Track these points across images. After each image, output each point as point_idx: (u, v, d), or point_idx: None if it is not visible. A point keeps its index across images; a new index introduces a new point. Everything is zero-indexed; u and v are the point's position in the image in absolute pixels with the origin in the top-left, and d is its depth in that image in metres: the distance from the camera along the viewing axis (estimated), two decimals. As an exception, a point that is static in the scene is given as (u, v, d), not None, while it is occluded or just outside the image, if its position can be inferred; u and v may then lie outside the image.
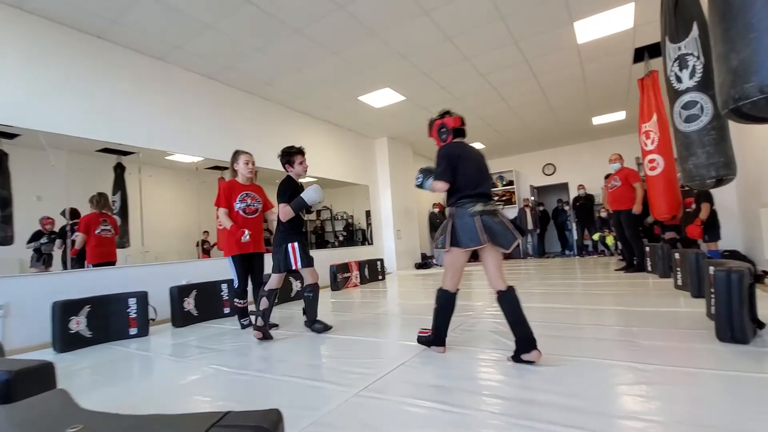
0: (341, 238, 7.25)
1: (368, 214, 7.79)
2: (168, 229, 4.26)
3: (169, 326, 3.57)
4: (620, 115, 7.47)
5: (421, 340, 2.25)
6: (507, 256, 9.63)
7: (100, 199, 3.69)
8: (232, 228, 3.00)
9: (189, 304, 3.61)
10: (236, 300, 3.27)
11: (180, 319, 3.51)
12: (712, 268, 2.04)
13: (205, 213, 4.71)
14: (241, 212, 3.17)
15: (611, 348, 2.05)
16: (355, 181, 7.45)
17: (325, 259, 6.15)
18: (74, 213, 3.56)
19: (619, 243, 6.75)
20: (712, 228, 4.48)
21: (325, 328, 2.89)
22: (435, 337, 2.17)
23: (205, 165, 4.76)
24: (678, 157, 2.41)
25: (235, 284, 3.19)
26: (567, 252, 9.83)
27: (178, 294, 3.53)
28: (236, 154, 3.24)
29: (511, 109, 6.75)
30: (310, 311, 2.92)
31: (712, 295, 2.10)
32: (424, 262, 8.52)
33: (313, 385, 1.79)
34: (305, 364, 2.13)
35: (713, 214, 4.49)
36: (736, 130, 4.90)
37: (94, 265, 3.55)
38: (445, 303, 2.08)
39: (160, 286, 3.66)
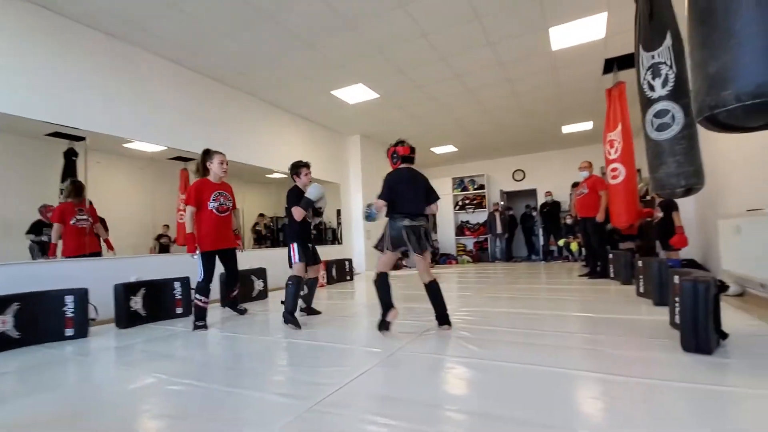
0: (312, 237, 7.05)
1: (339, 213, 7.63)
2: (119, 222, 3.95)
3: (112, 327, 3.30)
4: (588, 125, 7.68)
5: (382, 326, 2.68)
6: (476, 259, 9.71)
7: (73, 188, 3.56)
8: (188, 237, 3.11)
9: (136, 303, 3.35)
10: (197, 296, 3.19)
11: (125, 319, 3.25)
12: (677, 278, 2.04)
13: (163, 205, 4.40)
14: (214, 211, 3.26)
15: (576, 357, 2.01)
16: (327, 178, 7.28)
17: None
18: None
19: (583, 249, 6.97)
20: (669, 238, 4.62)
21: (294, 322, 3.04)
22: (385, 309, 2.70)
23: (167, 155, 4.47)
24: (649, 166, 2.41)
25: (200, 277, 3.17)
26: (533, 257, 10.02)
27: (124, 292, 3.26)
28: (210, 154, 3.31)
29: (486, 112, 6.78)
30: (289, 302, 3.08)
31: (677, 304, 2.09)
32: (395, 264, 8.41)
33: (262, 397, 1.62)
34: (258, 373, 1.96)
35: (672, 224, 4.64)
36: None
37: (73, 258, 3.38)
38: (384, 282, 2.73)
39: (106, 284, 3.36)
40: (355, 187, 7.97)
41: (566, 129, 7.94)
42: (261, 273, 4.73)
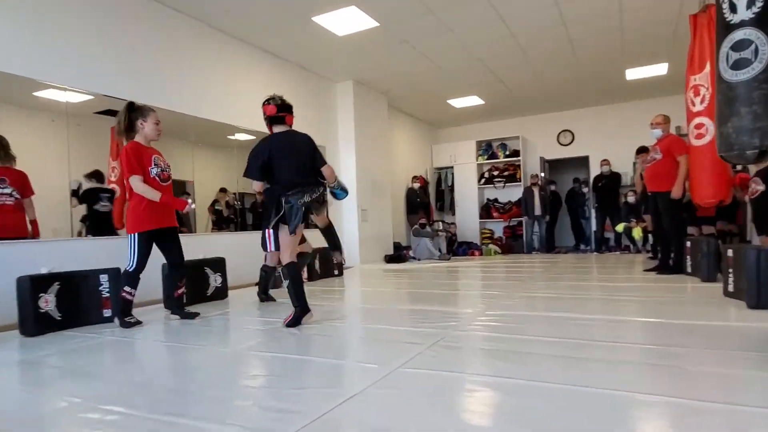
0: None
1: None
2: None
3: (15, 334, 3.27)
4: (661, 68, 7.53)
5: (291, 324, 3.04)
6: (507, 250, 9.71)
7: None
8: (163, 198, 3.28)
9: (47, 302, 3.29)
10: (125, 288, 3.36)
11: (33, 324, 3.21)
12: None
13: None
14: (157, 179, 3.38)
15: (640, 375, 1.95)
16: (307, 140, 7.16)
17: (258, 245, 5.87)
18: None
19: (650, 236, 6.92)
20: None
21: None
22: (301, 309, 3.09)
23: (94, 107, 4.36)
24: (717, 117, 2.29)
25: (131, 266, 3.34)
26: (582, 246, 10.01)
27: (31, 288, 3.21)
28: (143, 111, 3.40)
29: (522, 50, 6.60)
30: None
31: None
32: (398, 254, 8.41)
33: (211, 428, 1.56)
34: (212, 397, 1.90)
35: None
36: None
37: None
38: (297, 273, 3.12)
39: (7, 277, 3.30)
40: (346, 150, 7.87)
41: (632, 74, 7.78)
42: (219, 265, 4.68)
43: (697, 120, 4.83)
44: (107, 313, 3.61)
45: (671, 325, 2.80)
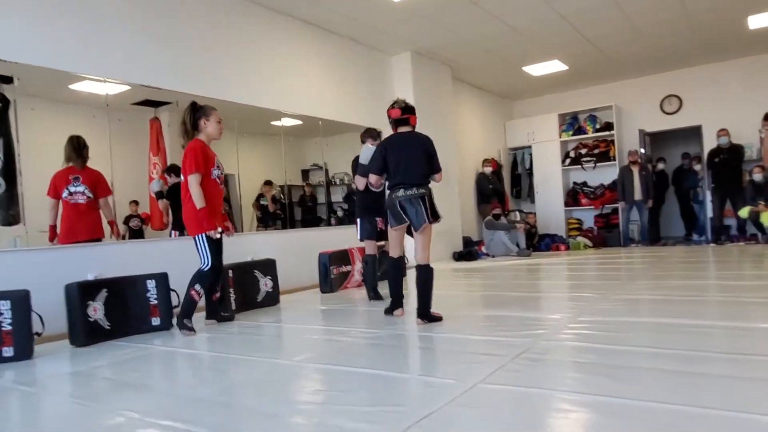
0: (340, 214, 7.18)
1: (380, 175, 7.64)
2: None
3: (65, 344, 3.54)
4: (795, 12, 6.96)
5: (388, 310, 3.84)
6: (600, 242, 9.43)
7: (67, 146, 4.07)
8: (202, 211, 3.61)
9: (96, 311, 3.56)
10: (195, 287, 3.71)
11: (83, 334, 3.47)
12: None
13: (127, 172, 4.60)
14: (217, 180, 3.82)
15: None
16: (361, 122, 7.24)
17: (312, 244, 6.05)
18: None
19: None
20: None
21: (376, 297, 4.56)
22: (393, 302, 3.81)
23: (131, 98, 4.67)
24: None
25: (206, 265, 3.73)
26: (695, 236, 9.58)
27: (80, 296, 3.47)
28: (206, 110, 3.80)
29: (615, 1, 6.33)
30: (368, 280, 4.67)
31: None
32: (468, 251, 8.37)
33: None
34: (266, 413, 2.00)
35: None
36: None
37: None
38: (395, 268, 3.83)
39: (50, 284, 3.59)
40: (405, 133, 7.88)
41: (756, 21, 7.27)
42: (269, 267, 4.86)
43: None
44: (156, 321, 3.86)
45: (815, 333, 2.64)
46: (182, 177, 3.73)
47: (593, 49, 8.10)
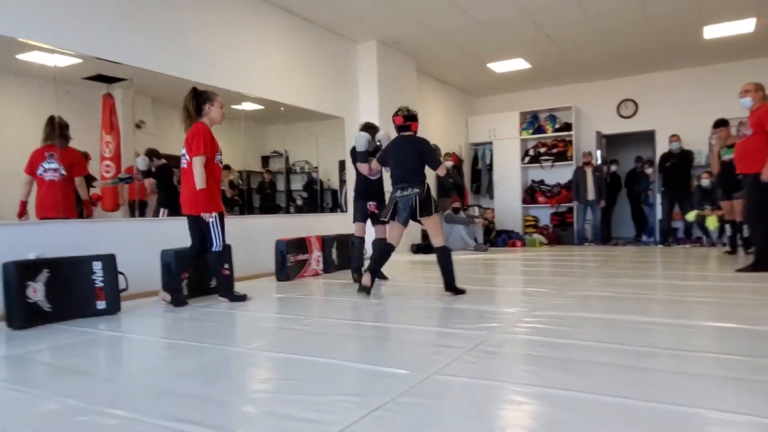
0: (299, 202, 7.11)
1: (342, 165, 7.61)
2: (9, 173, 4.01)
3: (1, 327, 3.40)
4: (747, 25, 7.27)
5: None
6: (555, 240, 9.63)
7: (46, 126, 4.10)
8: (201, 192, 3.82)
9: (36, 291, 3.40)
10: (225, 266, 4.17)
11: (21, 316, 3.32)
12: None
13: (76, 148, 4.40)
14: (220, 164, 4.09)
15: (719, 390, 1.93)
16: (324, 110, 7.19)
17: (270, 231, 5.96)
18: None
19: (727, 227, 6.76)
20: None
21: (359, 278, 4.43)
22: (363, 273, 4.25)
23: (82, 72, 4.44)
24: None
25: (219, 245, 4.00)
26: (644, 237, 9.89)
27: (18, 275, 3.32)
28: (209, 95, 4.00)
29: (579, 3, 6.44)
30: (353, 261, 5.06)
31: None
32: (427, 244, 8.39)
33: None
34: (215, 401, 1.94)
35: None
36: None
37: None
38: (378, 251, 4.43)
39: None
40: (369, 119, 7.77)
41: (711, 32, 7.55)
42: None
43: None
44: (101, 305, 3.72)
45: (756, 332, 2.75)
46: (186, 158, 3.91)
47: (556, 50, 8.24)
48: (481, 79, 10.00)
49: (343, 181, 7.64)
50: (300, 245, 5.65)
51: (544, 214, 10.43)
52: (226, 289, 4.17)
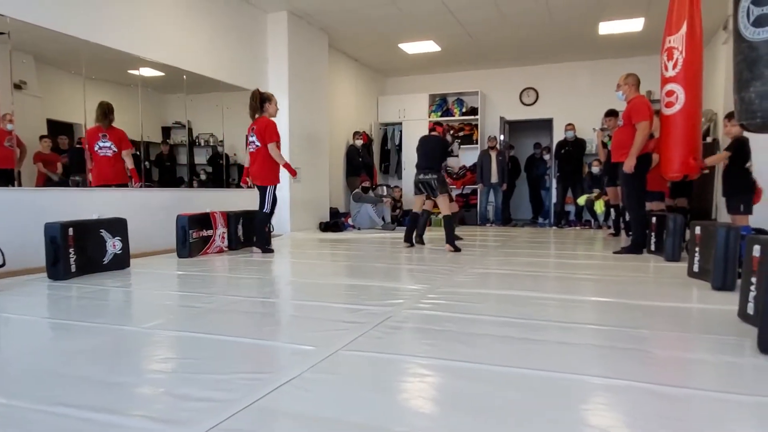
0: (203, 176, 6.81)
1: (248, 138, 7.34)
2: None
3: None
4: (637, 24, 7.78)
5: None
6: (459, 221, 9.90)
7: (98, 110, 5.05)
8: (287, 165, 5.66)
9: None
10: (268, 226, 5.73)
11: None
12: (758, 248, 2.12)
13: None
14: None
15: (599, 359, 2.08)
16: (230, 80, 6.89)
17: (171, 205, 5.67)
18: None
19: (612, 211, 7.31)
20: (747, 194, 4.83)
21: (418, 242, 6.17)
22: (405, 237, 6.09)
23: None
24: (736, 81, 2.41)
25: (267, 209, 5.49)
26: (540, 220, 10.42)
27: None
28: (269, 96, 5.51)
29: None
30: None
31: (752, 287, 2.19)
32: (335, 222, 8.38)
33: (121, 424, 1.51)
34: (112, 384, 1.83)
35: (747, 175, 4.86)
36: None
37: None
38: (412, 219, 6.19)
39: None
40: (276, 93, 7.50)
41: (605, 28, 8.00)
42: (118, 227, 4.45)
43: (668, 87, 5.06)
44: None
45: (632, 306, 2.98)
46: (256, 144, 5.38)
47: (465, 35, 8.40)
48: (393, 60, 10.02)
49: (250, 156, 7.41)
50: (203, 221, 5.41)
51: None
52: (263, 243, 5.56)
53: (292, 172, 5.72)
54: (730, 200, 4.92)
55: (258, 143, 5.37)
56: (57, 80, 4.87)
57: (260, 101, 5.38)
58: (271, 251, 5.53)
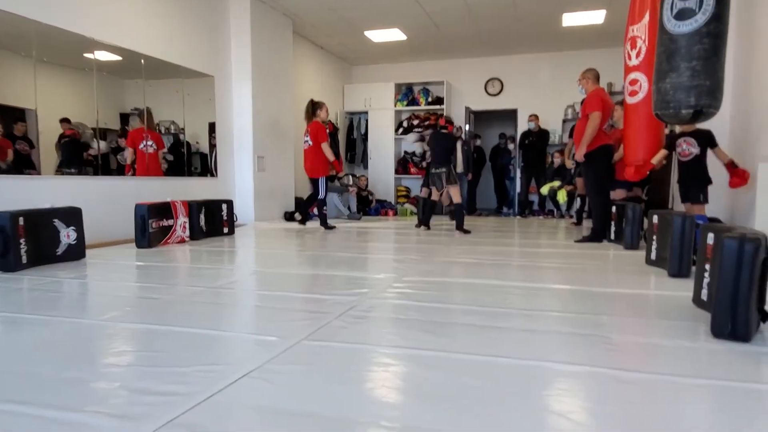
0: (165, 166, 6.64)
1: (212, 127, 7.25)
2: None
3: None
4: (598, 16, 7.91)
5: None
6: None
7: (140, 115, 5.98)
8: (335, 162, 6.93)
9: None
10: (324, 209, 6.79)
11: None
12: (712, 236, 2.18)
13: None
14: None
15: (562, 345, 2.12)
16: (191, 66, 6.71)
17: (129, 194, 5.51)
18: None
19: (577, 201, 7.45)
20: (704, 184, 4.99)
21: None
22: (419, 222, 7.15)
23: None
24: (656, 71, 2.48)
25: (322, 195, 6.71)
26: (504, 209, 10.56)
27: None
28: (320, 104, 6.71)
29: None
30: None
31: (706, 274, 2.26)
32: (303, 216, 8.28)
33: (78, 421, 1.45)
34: (65, 380, 1.76)
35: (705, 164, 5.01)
36: (745, 58, 5.46)
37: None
38: (423, 204, 7.21)
39: None
40: (239, 82, 7.51)
41: (568, 19, 8.11)
42: (73, 217, 4.29)
43: (632, 75, 5.18)
44: None
45: (592, 293, 3.06)
46: (309, 142, 6.65)
47: (431, 24, 8.40)
48: (359, 48, 9.95)
49: (213, 145, 7.24)
50: (164, 210, 5.27)
51: (415, 184, 10.73)
52: (325, 223, 6.76)
53: (339, 168, 7.24)
54: (690, 189, 5.06)
55: (311, 142, 6.59)
56: (6, 63, 4.65)
57: (312, 108, 6.63)
58: (333, 227, 6.72)
